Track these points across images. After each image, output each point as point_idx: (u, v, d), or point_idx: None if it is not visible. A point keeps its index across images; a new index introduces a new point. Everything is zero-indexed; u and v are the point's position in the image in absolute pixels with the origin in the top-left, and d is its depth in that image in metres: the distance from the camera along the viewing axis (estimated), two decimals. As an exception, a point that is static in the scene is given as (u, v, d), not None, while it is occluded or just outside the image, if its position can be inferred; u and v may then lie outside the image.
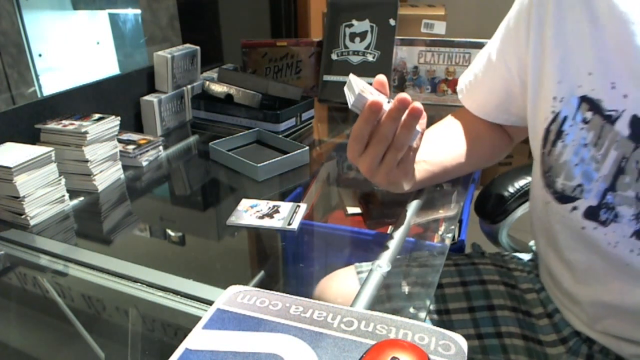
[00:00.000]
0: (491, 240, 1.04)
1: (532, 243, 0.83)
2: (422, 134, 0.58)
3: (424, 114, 0.56)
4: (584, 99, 0.52)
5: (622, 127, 0.50)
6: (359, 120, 0.54)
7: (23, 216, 0.76)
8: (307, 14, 1.94)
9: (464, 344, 0.40)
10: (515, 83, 0.65)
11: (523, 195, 0.97)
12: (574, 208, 0.56)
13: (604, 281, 0.58)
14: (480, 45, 1.24)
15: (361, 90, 0.54)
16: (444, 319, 0.73)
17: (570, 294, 0.63)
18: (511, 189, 0.98)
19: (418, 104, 0.52)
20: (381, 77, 0.57)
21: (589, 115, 0.52)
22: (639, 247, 0.53)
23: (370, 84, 0.58)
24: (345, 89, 0.57)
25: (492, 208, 0.99)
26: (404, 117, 0.53)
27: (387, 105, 0.54)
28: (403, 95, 0.52)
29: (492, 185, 1.01)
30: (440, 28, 1.35)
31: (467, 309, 0.73)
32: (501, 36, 0.66)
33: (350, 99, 0.55)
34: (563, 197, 0.57)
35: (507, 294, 0.73)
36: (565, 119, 0.54)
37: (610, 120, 0.51)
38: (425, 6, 1.40)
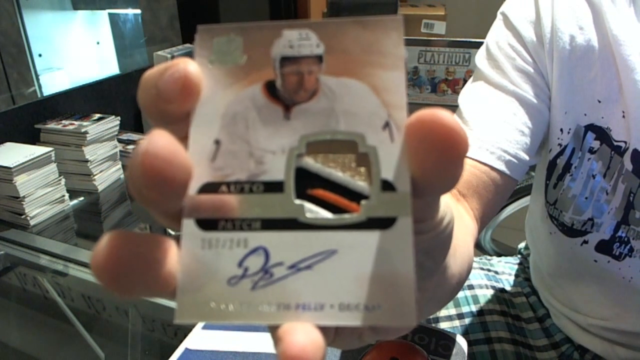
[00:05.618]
0: (474, 245, 1.01)
1: (521, 245, 0.82)
2: None
3: None
4: (590, 128, 0.49)
5: (627, 160, 0.48)
6: None
7: (23, 216, 0.75)
8: (307, 14, 1.94)
9: (464, 344, 0.40)
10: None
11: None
12: (584, 242, 0.52)
13: (613, 312, 0.55)
14: (480, 46, 1.24)
15: None
16: (432, 327, 0.71)
17: (574, 312, 0.61)
18: None
19: None
20: None
21: (596, 144, 0.49)
22: None
23: None
24: None
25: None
26: None
27: None
28: None
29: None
30: (440, 28, 1.35)
31: (455, 316, 0.71)
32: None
33: None
34: (572, 231, 0.53)
35: (496, 297, 0.71)
36: (573, 151, 0.51)
37: (620, 151, 0.48)
38: (425, 6, 1.40)
